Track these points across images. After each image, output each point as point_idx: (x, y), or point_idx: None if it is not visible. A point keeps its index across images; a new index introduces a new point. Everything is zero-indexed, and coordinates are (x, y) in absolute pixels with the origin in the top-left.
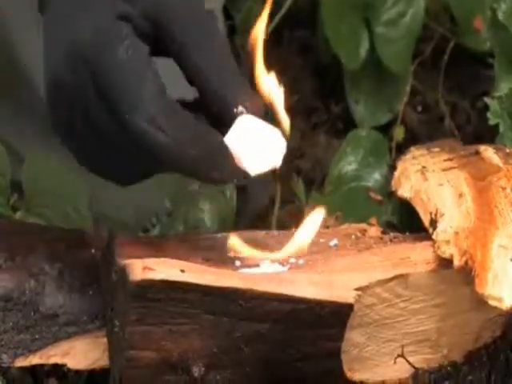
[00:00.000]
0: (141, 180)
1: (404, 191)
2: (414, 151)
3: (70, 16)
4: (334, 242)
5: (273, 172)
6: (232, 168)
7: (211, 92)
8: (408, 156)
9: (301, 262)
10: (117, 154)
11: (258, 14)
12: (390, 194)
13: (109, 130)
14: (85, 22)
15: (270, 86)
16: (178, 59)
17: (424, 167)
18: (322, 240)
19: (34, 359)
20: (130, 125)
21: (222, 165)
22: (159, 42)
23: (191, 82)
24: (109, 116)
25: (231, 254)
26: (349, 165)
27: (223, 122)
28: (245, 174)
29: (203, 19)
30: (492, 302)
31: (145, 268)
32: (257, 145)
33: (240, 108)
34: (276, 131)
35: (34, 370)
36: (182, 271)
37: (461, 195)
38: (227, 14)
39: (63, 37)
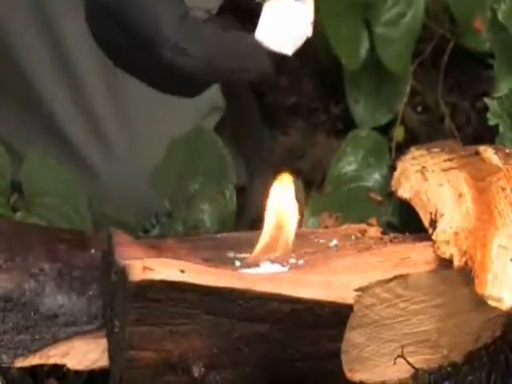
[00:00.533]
0: (202, 91)
1: (404, 191)
2: (414, 151)
3: None
4: (333, 242)
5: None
6: (269, 59)
7: None
8: (408, 156)
9: (301, 262)
10: (159, 77)
11: None
12: (390, 195)
13: (142, 62)
14: None
15: None
16: None
17: (424, 167)
18: (321, 240)
19: (34, 359)
20: (155, 56)
21: (258, 61)
22: None
23: None
24: (134, 49)
25: None
26: (349, 165)
27: (254, 15)
28: (282, 56)
29: None
30: (492, 303)
31: (145, 268)
32: (286, 25)
33: None
34: (301, 2)
35: (33, 370)
36: (182, 271)
37: (461, 195)
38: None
39: None
